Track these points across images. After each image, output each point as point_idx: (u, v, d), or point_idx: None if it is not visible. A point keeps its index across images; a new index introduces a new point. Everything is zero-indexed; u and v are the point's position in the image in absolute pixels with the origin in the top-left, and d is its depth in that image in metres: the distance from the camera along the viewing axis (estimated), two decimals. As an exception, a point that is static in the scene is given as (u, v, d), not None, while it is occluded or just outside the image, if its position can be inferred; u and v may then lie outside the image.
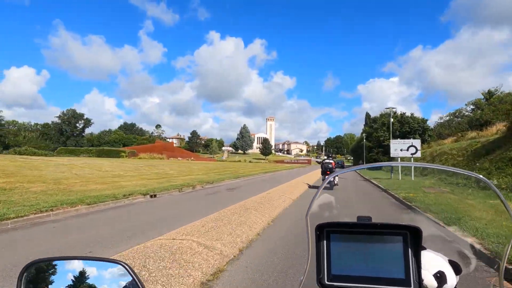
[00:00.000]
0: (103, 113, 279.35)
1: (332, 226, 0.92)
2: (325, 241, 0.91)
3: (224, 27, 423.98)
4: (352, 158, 77.98)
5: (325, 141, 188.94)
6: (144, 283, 0.75)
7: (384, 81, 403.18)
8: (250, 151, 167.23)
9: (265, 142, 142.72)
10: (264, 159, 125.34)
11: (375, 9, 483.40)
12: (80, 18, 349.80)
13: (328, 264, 0.90)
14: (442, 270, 0.91)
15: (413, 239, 0.88)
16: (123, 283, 0.76)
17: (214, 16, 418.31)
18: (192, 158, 56.98)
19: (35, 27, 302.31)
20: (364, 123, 67.59)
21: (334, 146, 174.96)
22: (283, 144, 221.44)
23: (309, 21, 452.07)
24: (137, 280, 0.74)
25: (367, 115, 67.51)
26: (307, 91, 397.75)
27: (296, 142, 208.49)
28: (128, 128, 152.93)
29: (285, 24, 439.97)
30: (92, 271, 0.78)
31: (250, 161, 74.80)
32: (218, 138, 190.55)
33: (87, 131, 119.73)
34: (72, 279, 0.78)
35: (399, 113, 44.21)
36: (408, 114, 43.27)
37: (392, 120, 39.09)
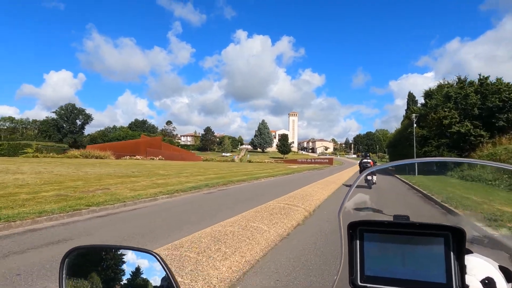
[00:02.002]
0: (136, 114, 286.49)
1: (366, 225, 0.86)
2: (358, 241, 0.86)
3: (251, 26, 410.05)
4: (388, 156, 59.16)
5: (353, 138, 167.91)
6: (174, 275, 0.76)
7: (418, 76, 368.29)
8: (269, 149, 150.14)
9: (283, 139, 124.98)
10: (282, 157, 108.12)
11: (408, 1, 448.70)
12: (111, 21, 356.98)
13: (361, 265, 0.84)
14: (490, 276, 0.83)
15: (456, 241, 0.80)
16: (155, 272, 0.79)
17: (241, 15, 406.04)
18: (161, 157, 41.11)
19: (70, 32, 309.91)
20: (405, 108, 48.86)
21: (364, 143, 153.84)
22: (308, 141, 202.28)
23: (338, 16, 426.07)
24: (166, 270, 0.76)
25: (410, 95, 48.69)
26: (336, 88, 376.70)
27: (322, 140, 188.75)
28: (139, 125, 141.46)
29: (313, 20, 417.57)
30: (126, 259, 0.82)
31: (249, 161, 58.44)
32: (237, 136, 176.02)
33: (89, 128, 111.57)
34: (107, 266, 0.83)
35: (476, 80, 25.74)
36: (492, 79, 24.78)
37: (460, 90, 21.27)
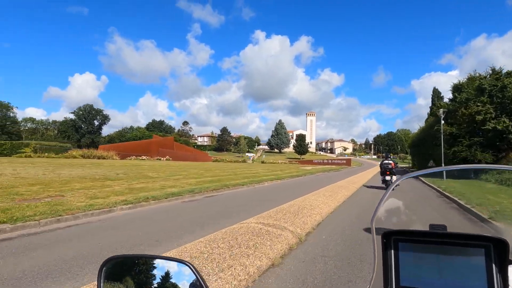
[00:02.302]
0: (156, 115, 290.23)
1: (401, 234, 0.85)
2: (392, 250, 0.85)
3: (269, 26, 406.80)
4: (410, 157, 55.30)
5: (373, 138, 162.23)
6: (207, 283, 0.78)
7: (442, 75, 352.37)
8: (286, 149, 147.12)
9: (300, 139, 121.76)
10: (299, 158, 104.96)
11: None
12: (132, 24, 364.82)
13: (396, 275, 0.83)
14: None
15: (498, 253, 0.78)
16: (188, 283, 0.81)
17: (259, 15, 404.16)
18: (169, 158, 39.37)
19: (93, 36, 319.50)
20: (430, 105, 45.09)
21: (385, 143, 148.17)
22: (326, 142, 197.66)
23: (357, 14, 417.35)
24: (201, 280, 0.78)
25: (435, 91, 44.87)
26: (356, 88, 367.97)
27: (341, 140, 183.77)
28: (156, 126, 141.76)
29: (332, 19, 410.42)
30: (161, 269, 0.85)
31: (263, 162, 55.91)
32: (254, 136, 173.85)
33: (106, 128, 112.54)
34: (141, 275, 0.86)
35: (514, 69, 22.29)
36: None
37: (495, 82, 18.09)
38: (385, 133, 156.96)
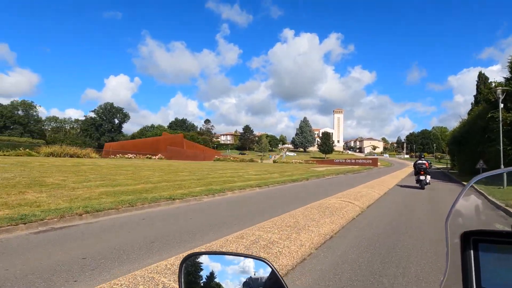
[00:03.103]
0: (187, 115, 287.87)
1: (481, 235, 0.80)
2: (472, 251, 0.80)
3: (298, 24, 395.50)
4: (449, 156, 46.82)
5: (406, 137, 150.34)
6: (284, 279, 0.77)
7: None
8: (311, 148, 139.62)
9: (325, 138, 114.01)
10: (324, 157, 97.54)
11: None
12: (163, 26, 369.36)
13: (477, 276, 0.78)
14: None
15: None
16: (253, 277, 0.83)
17: (287, 13, 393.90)
18: (161, 157, 34.50)
19: (127, 39, 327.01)
20: (475, 93, 36.96)
21: (418, 142, 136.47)
22: (355, 140, 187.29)
23: (389, 9, 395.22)
24: (279, 275, 0.78)
25: (481, 76, 36.62)
26: (388, 86, 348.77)
27: (371, 139, 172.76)
28: (179, 124, 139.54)
29: (362, 15, 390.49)
30: (238, 265, 0.87)
31: (275, 161, 49.68)
32: (281, 135, 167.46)
33: (126, 126, 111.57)
34: (221, 272, 0.88)
35: None
36: None
37: None
38: (419, 131, 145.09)
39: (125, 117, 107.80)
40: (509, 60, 20.90)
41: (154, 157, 34.23)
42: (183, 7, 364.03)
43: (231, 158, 40.19)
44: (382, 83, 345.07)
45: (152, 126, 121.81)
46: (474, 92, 36.43)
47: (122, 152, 39.67)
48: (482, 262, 0.77)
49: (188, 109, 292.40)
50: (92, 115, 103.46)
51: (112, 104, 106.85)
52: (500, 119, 16.09)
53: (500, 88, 16.22)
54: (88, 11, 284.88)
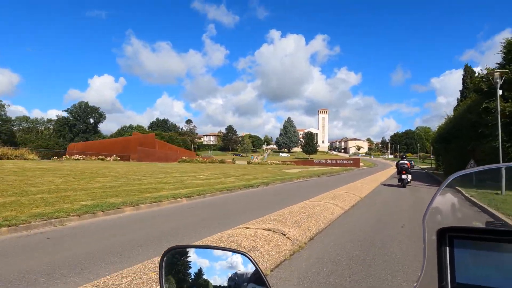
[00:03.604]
0: (173, 115, 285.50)
1: (456, 231, 0.83)
2: (447, 247, 0.83)
3: (284, 25, 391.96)
4: (434, 156, 44.24)
5: (391, 137, 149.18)
6: (265, 274, 0.78)
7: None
8: (296, 149, 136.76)
9: (308, 138, 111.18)
10: (307, 158, 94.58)
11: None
12: (148, 26, 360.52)
13: (451, 272, 0.81)
14: None
15: None
16: (246, 273, 0.82)
17: (274, 14, 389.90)
18: (116, 158, 30.46)
19: (111, 38, 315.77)
20: (461, 88, 34.33)
21: (403, 142, 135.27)
22: (340, 141, 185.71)
23: (374, 11, 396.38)
24: (259, 270, 0.78)
25: (468, 69, 33.94)
26: (374, 87, 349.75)
27: (355, 139, 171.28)
28: (160, 125, 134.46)
29: (348, 17, 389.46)
30: (220, 260, 0.86)
31: (249, 162, 46.15)
32: (269, 136, 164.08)
33: (108, 127, 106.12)
34: (201, 265, 0.87)
35: None
36: None
37: None
38: (403, 131, 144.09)
39: (100, 117, 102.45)
40: (503, 44, 17.94)
41: (109, 158, 30.15)
42: (168, 6, 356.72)
43: (199, 159, 36.39)
44: (368, 84, 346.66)
45: (131, 126, 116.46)
46: (457, 94, 33.72)
47: (86, 153, 35.86)
48: (457, 258, 0.79)
49: (174, 109, 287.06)
50: (66, 114, 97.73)
51: (87, 103, 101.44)
52: (498, 109, 12.93)
53: (498, 70, 13.06)
54: (71, 10, 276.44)
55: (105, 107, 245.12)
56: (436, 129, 33.73)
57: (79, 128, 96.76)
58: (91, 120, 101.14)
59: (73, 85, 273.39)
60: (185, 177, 16.10)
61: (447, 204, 0.91)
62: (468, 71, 33.29)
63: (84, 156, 29.83)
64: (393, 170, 32.89)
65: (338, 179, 21.53)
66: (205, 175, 17.95)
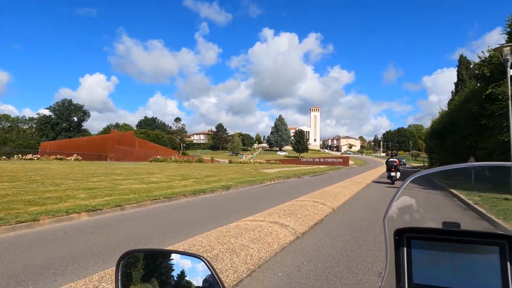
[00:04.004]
0: (166, 114, 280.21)
1: (413, 232, 0.83)
2: (405, 248, 0.83)
3: (277, 23, 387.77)
4: (426, 154, 41.78)
5: (383, 135, 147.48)
6: (221, 278, 0.78)
7: (454, 71, 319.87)
8: (287, 147, 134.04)
9: (299, 136, 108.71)
10: (298, 156, 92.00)
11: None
12: (140, 24, 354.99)
13: (409, 273, 0.81)
14: None
15: None
16: (203, 276, 0.81)
17: (267, 13, 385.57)
18: (77, 157, 27.36)
19: (102, 36, 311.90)
20: (455, 81, 31.84)
21: (395, 140, 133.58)
22: (332, 139, 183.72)
23: (366, 9, 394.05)
24: (215, 275, 0.78)
25: (463, 60, 31.38)
26: (366, 85, 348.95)
27: (347, 137, 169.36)
28: (149, 123, 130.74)
29: (341, 15, 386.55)
30: (177, 263, 0.85)
31: (230, 161, 43.25)
32: (260, 134, 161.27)
33: (97, 125, 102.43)
34: (158, 270, 0.87)
35: None
36: None
37: None
38: (395, 129, 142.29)
39: (84, 115, 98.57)
40: (507, 22, 15.36)
41: (69, 158, 26.99)
42: (159, 4, 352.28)
43: (174, 158, 33.46)
44: (361, 82, 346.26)
45: (117, 124, 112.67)
46: (449, 93, 30.83)
47: (60, 153, 32.87)
48: (414, 258, 0.79)
49: (167, 108, 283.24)
50: (48, 112, 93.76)
51: (70, 101, 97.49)
52: (509, 93, 10.24)
53: (508, 45, 10.37)
54: (60, 7, 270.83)
55: (97, 106, 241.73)
56: (429, 125, 31.20)
57: (61, 126, 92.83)
58: (75, 119, 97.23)
59: (64, 84, 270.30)
60: (128, 180, 13.18)
61: (407, 204, 0.90)
62: (463, 62, 30.76)
63: (55, 156, 26.65)
64: (383, 169, 30.46)
65: (320, 180, 18.81)
66: (159, 177, 15.05)
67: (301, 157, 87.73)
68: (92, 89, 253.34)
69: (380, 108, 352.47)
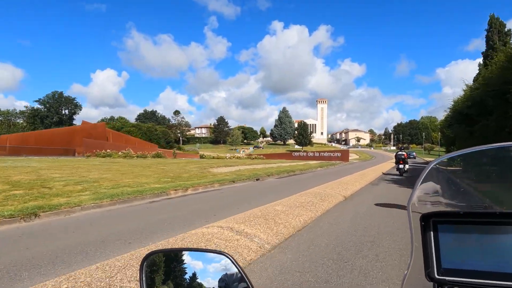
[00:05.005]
0: (176, 109, 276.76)
1: (440, 216, 0.81)
2: (432, 232, 0.81)
3: (287, 16, 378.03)
4: (443, 145, 34.38)
5: (394, 127, 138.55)
6: (247, 274, 0.78)
7: (469, 63, 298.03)
8: (291, 140, 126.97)
9: (302, 129, 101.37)
10: (301, 150, 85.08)
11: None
12: (148, 19, 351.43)
13: (437, 257, 0.79)
14: None
15: None
16: (228, 273, 0.81)
17: (276, 5, 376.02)
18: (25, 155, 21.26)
19: (111, 31, 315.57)
20: (486, 47, 24.42)
21: (406, 133, 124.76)
22: (340, 132, 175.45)
23: (377, 1, 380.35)
24: (240, 270, 0.78)
25: (495, 21, 23.78)
26: (378, 78, 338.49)
27: (356, 130, 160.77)
28: (149, 117, 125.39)
29: (352, 7, 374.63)
30: (201, 261, 0.85)
31: (201, 156, 36.91)
32: (267, 129, 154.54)
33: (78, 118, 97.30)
34: (183, 268, 0.87)
35: None
36: None
37: None
38: (407, 121, 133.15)
39: (76, 108, 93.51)
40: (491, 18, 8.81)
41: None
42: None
43: (126, 151, 27.25)
44: (372, 75, 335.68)
45: (112, 118, 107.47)
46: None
47: (19, 147, 27.90)
48: (441, 243, 0.78)
49: (177, 103, 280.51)
50: (37, 105, 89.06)
51: (61, 93, 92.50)
52: None
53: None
54: (69, 4, 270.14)
55: (109, 101, 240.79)
56: (448, 110, 23.61)
57: (51, 120, 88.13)
58: (67, 112, 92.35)
59: (76, 80, 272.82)
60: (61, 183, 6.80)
61: (431, 189, 0.86)
62: (494, 25, 23.20)
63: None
64: (389, 165, 24.56)
65: (288, 184, 12.30)
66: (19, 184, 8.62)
67: (303, 150, 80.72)
68: (103, 85, 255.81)
69: (391, 101, 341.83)
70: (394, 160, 20.52)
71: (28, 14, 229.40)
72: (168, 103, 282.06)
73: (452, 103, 21.39)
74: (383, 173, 18.00)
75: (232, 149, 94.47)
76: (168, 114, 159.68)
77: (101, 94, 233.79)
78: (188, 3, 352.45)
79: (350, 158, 57.76)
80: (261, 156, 37.01)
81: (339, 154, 36.14)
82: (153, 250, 0.88)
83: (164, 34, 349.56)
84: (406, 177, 15.37)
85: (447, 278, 0.75)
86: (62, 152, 34.14)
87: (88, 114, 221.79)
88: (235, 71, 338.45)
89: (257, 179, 14.16)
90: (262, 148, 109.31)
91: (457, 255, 0.76)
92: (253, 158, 33.49)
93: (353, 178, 13.48)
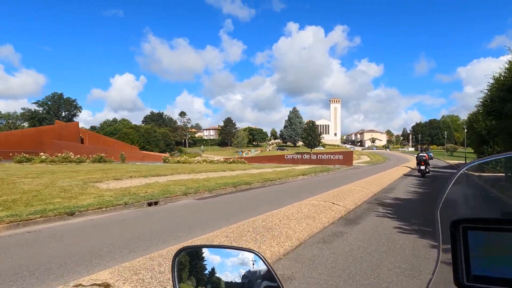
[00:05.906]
0: (193, 112, 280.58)
1: (470, 222, 0.77)
2: (461, 239, 0.77)
3: (302, 17, 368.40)
4: (471, 146, 26.95)
5: (412, 127, 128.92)
6: (277, 272, 0.78)
7: (492, 61, 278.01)
8: (301, 142, 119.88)
9: (310, 129, 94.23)
10: (310, 152, 78.23)
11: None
12: (165, 23, 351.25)
13: (466, 264, 0.76)
14: None
15: None
16: (259, 270, 0.82)
17: (290, 6, 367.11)
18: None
19: (129, 36, 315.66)
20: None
21: (426, 133, 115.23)
22: (356, 133, 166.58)
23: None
24: (269, 267, 0.79)
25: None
26: (396, 78, 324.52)
27: (372, 131, 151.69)
28: (155, 119, 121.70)
29: (367, 6, 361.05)
30: (229, 258, 0.87)
31: (178, 161, 30.70)
32: (275, 130, 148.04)
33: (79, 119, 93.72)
34: (213, 264, 0.88)
35: None
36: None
37: None
38: (426, 121, 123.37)
39: (75, 110, 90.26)
40: None
41: None
42: (183, 3, 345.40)
43: (63, 155, 21.78)
44: (390, 75, 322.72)
45: (115, 120, 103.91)
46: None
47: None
48: (471, 249, 0.75)
49: (194, 106, 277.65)
50: (36, 107, 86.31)
51: (61, 94, 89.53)
52: None
53: None
54: (87, 10, 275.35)
55: (127, 105, 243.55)
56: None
57: (50, 122, 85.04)
58: (66, 114, 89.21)
59: (95, 85, 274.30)
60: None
61: (461, 194, 0.84)
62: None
63: None
64: (403, 170, 18.01)
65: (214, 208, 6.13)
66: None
67: (312, 152, 73.74)
68: (122, 89, 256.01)
69: (410, 102, 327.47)
70: (405, 164, 20.05)
71: (50, 20, 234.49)
72: (184, 107, 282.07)
73: (488, 86, 14.42)
74: (385, 188, 11.43)
75: (237, 152, 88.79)
76: (166, 114, 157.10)
77: (120, 98, 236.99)
78: (203, 7, 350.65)
79: (359, 160, 50.74)
80: (242, 159, 30.84)
81: (340, 157, 29.50)
82: (184, 246, 0.90)
83: (180, 38, 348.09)
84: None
85: (476, 285, 0.72)
86: (31, 155, 29.63)
87: (99, 118, 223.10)
88: (251, 74, 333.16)
89: (150, 204, 8.02)
90: (246, 155, 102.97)
91: (487, 262, 0.73)
92: (229, 163, 27.37)
93: (358, 185, 7.17)
